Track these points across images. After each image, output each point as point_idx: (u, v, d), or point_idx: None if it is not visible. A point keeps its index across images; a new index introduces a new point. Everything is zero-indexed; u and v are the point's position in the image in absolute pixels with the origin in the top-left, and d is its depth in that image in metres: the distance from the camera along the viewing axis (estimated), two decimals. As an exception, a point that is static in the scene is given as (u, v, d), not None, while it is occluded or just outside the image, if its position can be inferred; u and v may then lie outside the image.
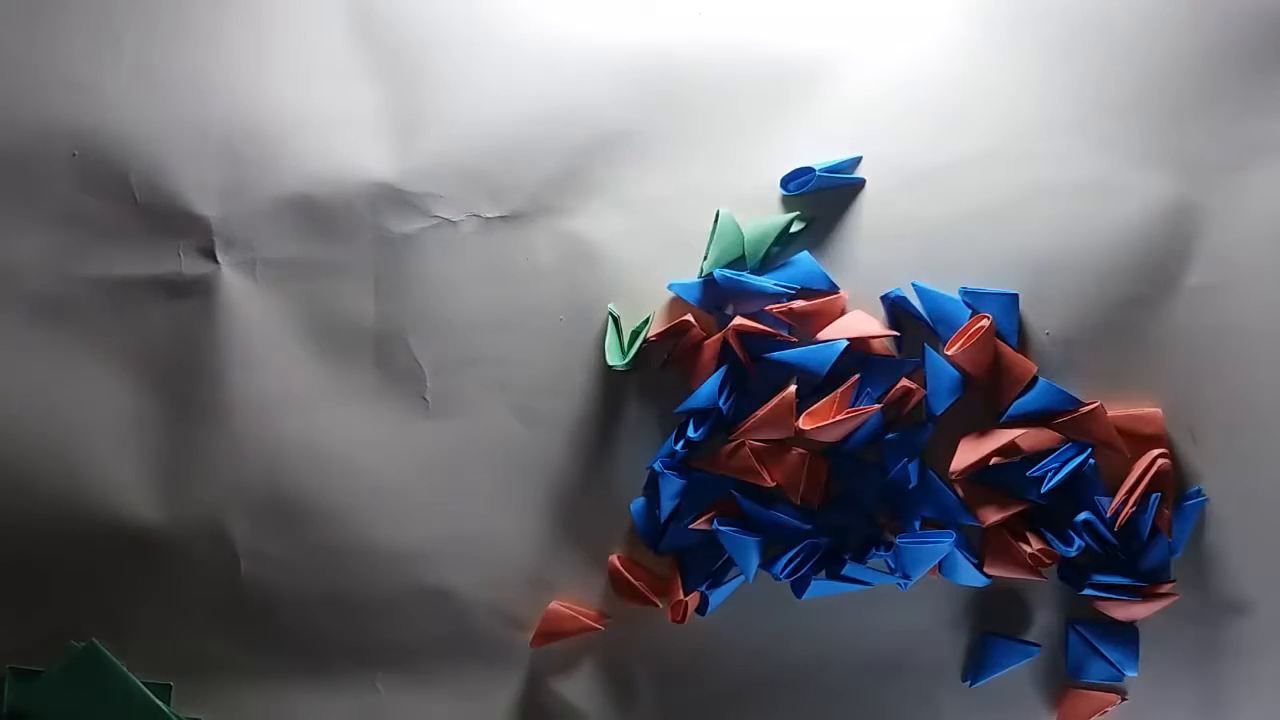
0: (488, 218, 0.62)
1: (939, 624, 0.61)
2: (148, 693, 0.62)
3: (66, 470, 0.62)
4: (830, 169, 0.60)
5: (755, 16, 0.62)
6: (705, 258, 0.61)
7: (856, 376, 0.59)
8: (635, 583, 0.61)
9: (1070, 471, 0.58)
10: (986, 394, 0.60)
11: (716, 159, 0.62)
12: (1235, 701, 0.60)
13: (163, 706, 0.62)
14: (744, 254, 0.61)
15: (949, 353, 0.59)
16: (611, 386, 0.62)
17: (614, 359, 0.61)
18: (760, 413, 0.58)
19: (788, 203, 0.62)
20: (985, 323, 0.58)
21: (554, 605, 0.62)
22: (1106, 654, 0.60)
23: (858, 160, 0.61)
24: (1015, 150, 0.60)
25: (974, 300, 0.59)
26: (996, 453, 0.58)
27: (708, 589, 0.60)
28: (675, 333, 0.60)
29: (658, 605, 0.61)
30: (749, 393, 0.60)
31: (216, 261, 0.63)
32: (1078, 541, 0.58)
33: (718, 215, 0.60)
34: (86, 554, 0.62)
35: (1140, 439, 0.59)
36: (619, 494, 0.62)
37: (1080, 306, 0.60)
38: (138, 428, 0.62)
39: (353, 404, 0.62)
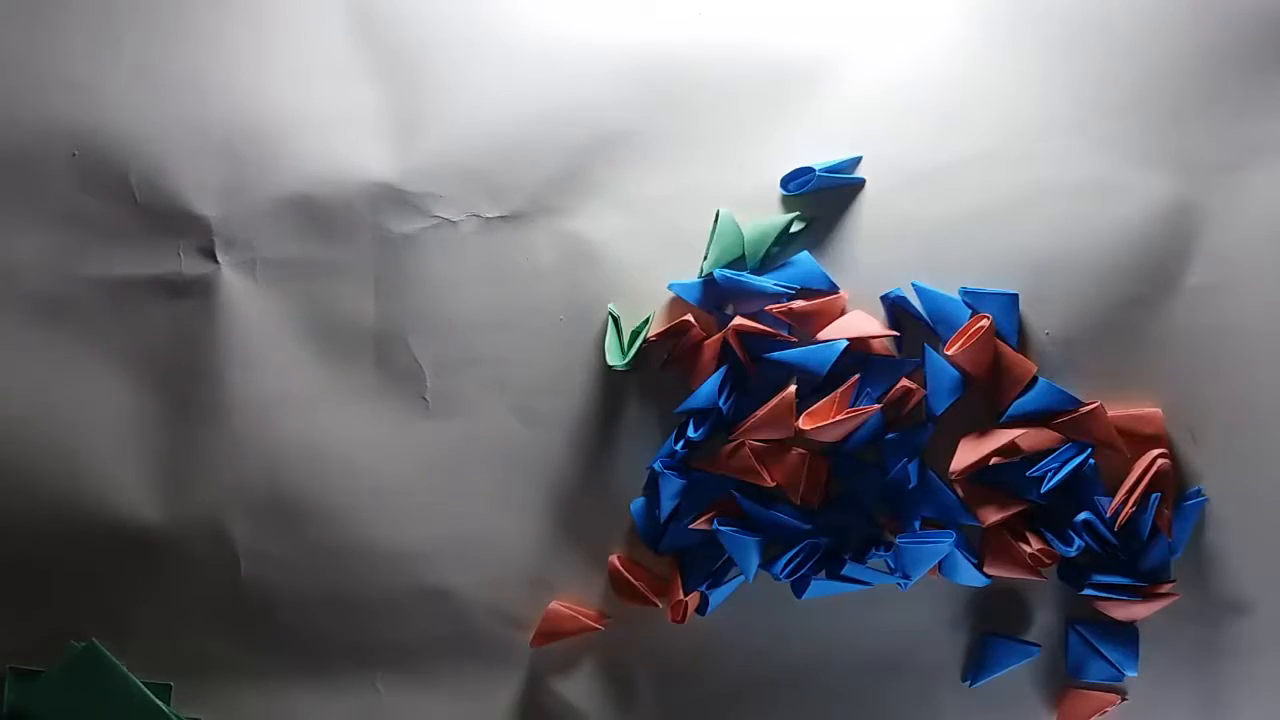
0: (488, 218, 0.62)
1: (939, 624, 0.61)
2: (148, 693, 0.62)
3: (66, 470, 0.62)
4: (830, 169, 0.60)
5: (755, 16, 0.62)
6: (705, 258, 0.61)
7: (856, 376, 0.59)
8: (635, 583, 0.61)
9: (1070, 471, 0.58)
10: (986, 394, 0.60)
11: (716, 159, 0.62)
12: (1235, 701, 0.60)
13: (163, 706, 0.62)
14: (744, 254, 0.61)
15: (949, 353, 0.59)
16: (611, 386, 0.62)
17: (614, 359, 0.61)
18: (760, 413, 0.58)
19: (788, 203, 0.62)
20: (985, 323, 0.58)
21: (554, 605, 0.62)
22: (1106, 654, 0.60)
23: (858, 160, 0.61)
24: (1015, 150, 0.60)
25: (974, 300, 0.59)
26: (996, 453, 0.58)
27: (708, 589, 0.60)
28: (675, 333, 0.60)
29: (658, 605, 0.61)
30: (749, 393, 0.60)
31: (216, 261, 0.63)
32: (1078, 541, 0.58)
33: (718, 215, 0.60)
34: (86, 554, 0.62)
35: (1140, 439, 0.59)
36: (619, 494, 0.62)
37: (1080, 306, 0.60)
38: (138, 428, 0.62)
39: (353, 404, 0.62)
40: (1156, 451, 0.59)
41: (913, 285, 0.60)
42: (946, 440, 0.59)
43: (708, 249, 0.61)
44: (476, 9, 0.63)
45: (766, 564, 0.59)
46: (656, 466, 0.60)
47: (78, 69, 0.63)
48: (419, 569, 0.62)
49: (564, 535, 0.62)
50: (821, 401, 0.59)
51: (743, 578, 0.60)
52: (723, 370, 0.59)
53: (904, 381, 0.59)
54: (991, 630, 0.61)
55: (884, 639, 0.61)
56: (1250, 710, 0.60)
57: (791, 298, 0.60)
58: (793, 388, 0.59)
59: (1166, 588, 0.59)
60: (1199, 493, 0.59)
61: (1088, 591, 0.59)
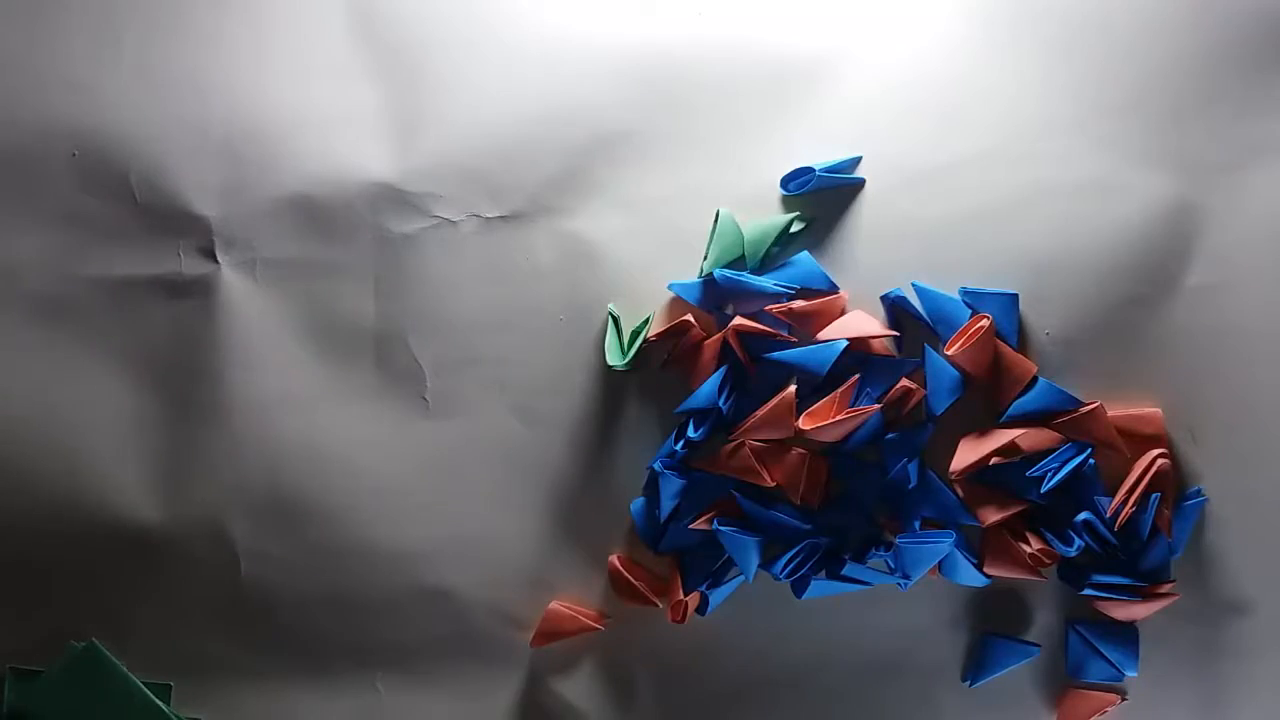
0: (488, 218, 0.62)
1: (939, 624, 0.61)
2: (148, 693, 0.62)
3: (66, 470, 0.62)
4: (830, 169, 0.60)
5: (755, 16, 0.62)
6: (705, 258, 0.61)
7: (856, 376, 0.59)
8: (635, 583, 0.61)
9: (1070, 471, 0.58)
10: (986, 394, 0.60)
11: (716, 159, 0.62)
12: (1235, 701, 0.60)
13: (163, 706, 0.62)
14: (744, 254, 0.61)
15: (949, 353, 0.59)
16: (611, 386, 0.62)
17: (614, 359, 0.61)
18: (760, 413, 0.58)
19: (788, 203, 0.62)
20: (985, 323, 0.58)
21: (554, 605, 0.62)
22: (1106, 654, 0.60)
23: (858, 160, 0.61)
24: (1015, 150, 0.60)
25: (974, 300, 0.59)
26: (996, 453, 0.58)
27: (708, 589, 0.60)
28: (675, 333, 0.60)
29: (658, 605, 0.61)
30: (749, 393, 0.60)
31: (216, 261, 0.63)
32: (1078, 541, 0.58)
33: (718, 215, 0.60)
34: (86, 554, 0.62)
35: (1140, 439, 0.59)
36: (619, 494, 0.62)
37: (1080, 306, 0.60)
38: (138, 428, 0.62)
39: (353, 404, 0.62)
40: (1156, 451, 0.59)
41: (913, 285, 0.60)
42: (946, 440, 0.59)
43: (708, 249, 0.61)
44: (476, 9, 0.63)
45: (766, 564, 0.59)
46: (656, 466, 0.60)
47: (78, 69, 0.63)
48: (419, 569, 0.62)
49: (564, 535, 0.62)
50: (821, 401, 0.59)
51: (743, 578, 0.60)
52: (723, 370, 0.59)
53: (904, 381, 0.59)
54: (991, 630, 0.61)
55: (884, 639, 0.61)
56: (1250, 710, 0.60)
57: (791, 298, 0.60)
58: (793, 388, 0.59)
59: (1166, 588, 0.59)
60: (1199, 493, 0.59)
61: (1088, 591, 0.59)
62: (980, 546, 0.60)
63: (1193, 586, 0.60)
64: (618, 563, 0.61)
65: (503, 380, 0.62)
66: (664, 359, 0.61)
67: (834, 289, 0.61)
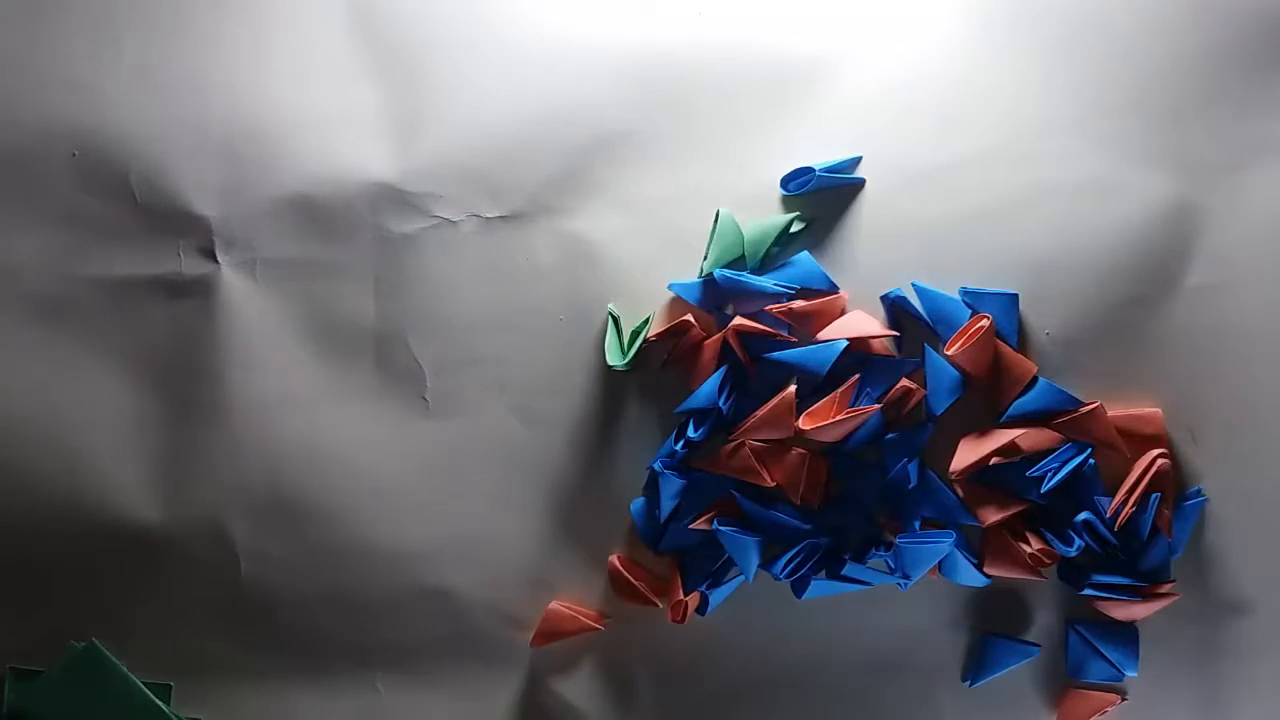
0: (488, 218, 0.62)
1: (939, 624, 0.61)
2: (148, 693, 0.62)
3: (66, 470, 0.62)
4: (830, 169, 0.60)
5: (755, 16, 0.62)
6: (705, 258, 0.61)
7: (856, 376, 0.59)
8: (635, 583, 0.61)
9: (1070, 471, 0.58)
10: (986, 394, 0.60)
11: (716, 159, 0.62)
12: (1235, 701, 0.60)
13: (163, 706, 0.62)
14: (744, 254, 0.61)
15: (949, 353, 0.59)
16: (611, 386, 0.62)
17: (614, 359, 0.61)
18: (760, 413, 0.58)
19: (788, 203, 0.62)
20: (985, 323, 0.58)
21: (554, 605, 0.62)
22: (1106, 654, 0.60)
23: (858, 160, 0.61)
24: (1015, 150, 0.60)
25: (974, 300, 0.59)
26: (996, 453, 0.58)
27: (708, 589, 0.60)
28: (675, 333, 0.60)
29: (658, 605, 0.61)
30: (749, 393, 0.60)
31: (216, 261, 0.63)
32: (1078, 541, 0.58)
33: (718, 215, 0.60)
34: (86, 554, 0.62)
35: (1140, 439, 0.59)
36: (619, 494, 0.62)
37: (1080, 306, 0.60)
38: (138, 428, 0.62)
39: (353, 404, 0.62)
40: (1156, 451, 0.59)
41: (913, 285, 0.60)
42: (946, 440, 0.59)
43: (708, 249, 0.61)
44: (476, 9, 0.63)
45: (766, 564, 0.59)
46: (656, 466, 0.60)
47: (78, 69, 0.63)
48: (419, 569, 0.62)
49: (564, 535, 0.62)
50: (821, 401, 0.59)
51: (743, 578, 0.60)
52: (723, 370, 0.59)
53: (904, 381, 0.59)
54: (991, 630, 0.61)
55: (884, 639, 0.61)
56: (1250, 710, 0.60)
57: (791, 298, 0.60)
58: (793, 388, 0.59)
59: (1166, 588, 0.59)
60: (1199, 493, 0.59)
61: (1088, 591, 0.59)
62: (980, 546, 0.60)
63: (1193, 586, 0.60)
64: (618, 563, 0.61)
65: (503, 380, 0.62)
66: (664, 359, 0.61)
67: (834, 289, 0.61)
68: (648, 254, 0.62)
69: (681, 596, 0.60)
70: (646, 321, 0.61)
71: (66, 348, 0.63)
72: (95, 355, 0.63)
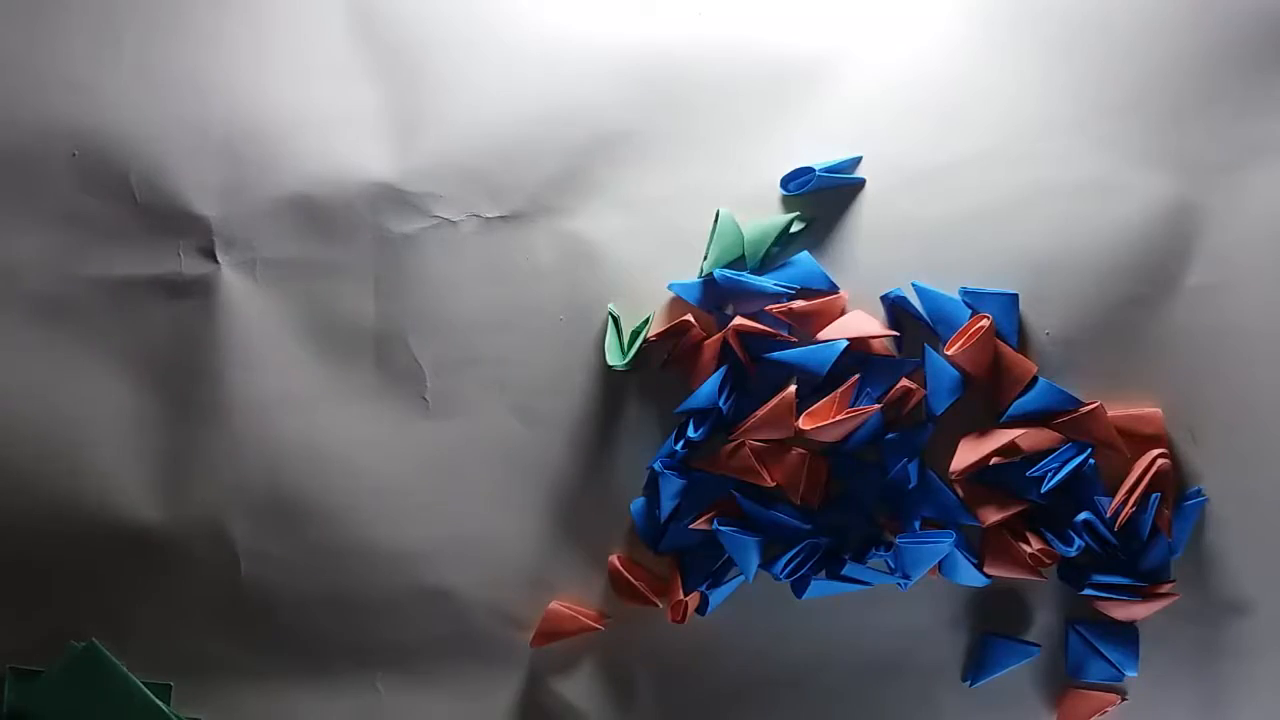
0: (488, 218, 0.62)
1: (939, 624, 0.61)
2: (148, 693, 0.62)
3: (66, 470, 0.62)
4: (830, 169, 0.60)
5: (755, 16, 0.62)
6: (705, 258, 0.61)
7: (856, 376, 0.59)
8: (635, 583, 0.61)
9: (1070, 471, 0.58)
10: (986, 394, 0.60)
11: (716, 159, 0.62)
12: (1235, 701, 0.60)
13: (163, 706, 0.62)
14: (744, 254, 0.61)
15: (949, 353, 0.59)
16: (611, 386, 0.62)
17: (614, 359, 0.61)
18: (760, 413, 0.58)
19: (788, 203, 0.62)
20: (985, 323, 0.58)
21: (554, 605, 0.62)
22: (1106, 654, 0.60)
23: (858, 160, 0.61)
24: (1015, 150, 0.60)
25: (974, 300, 0.59)
26: (996, 453, 0.58)
27: (708, 589, 0.60)
28: (675, 333, 0.60)
29: (658, 605, 0.61)
30: (749, 393, 0.60)
31: (216, 261, 0.63)
32: (1078, 541, 0.58)
33: (718, 215, 0.60)
34: (86, 554, 0.62)
35: (1140, 439, 0.59)
36: (619, 494, 0.62)
37: (1080, 306, 0.60)
38: (138, 428, 0.62)
39: (353, 404, 0.62)
40: (1156, 451, 0.59)
41: (913, 285, 0.60)
42: (946, 440, 0.59)
43: (708, 249, 0.61)
44: (476, 9, 0.63)
45: (766, 564, 0.59)
46: (656, 466, 0.60)
47: (78, 69, 0.63)
48: (419, 569, 0.62)
49: (564, 535, 0.62)
50: (821, 401, 0.59)
51: (743, 578, 0.60)
52: (723, 370, 0.59)
53: (904, 381, 0.59)
54: (991, 630, 0.61)
55: (884, 639, 0.61)
56: (1250, 710, 0.60)
57: (791, 298, 0.60)
58: (793, 388, 0.59)
59: (1166, 588, 0.59)
60: (1199, 493, 0.59)
61: (1088, 591, 0.59)
62: (980, 546, 0.60)
63: (1193, 586, 0.60)
64: (618, 563, 0.61)
65: (503, 380, 0.62)
66: (664, 359, 0.61)
67: (834, 289, 0.61)
68: (648, 254, 0.62)
69: (681, 596, 0.60)
70: (646, 321, 0.61)
71: (66, 348, 0.63)
72: (95, 355, 0.63)
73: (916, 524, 0.59)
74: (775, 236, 0.61)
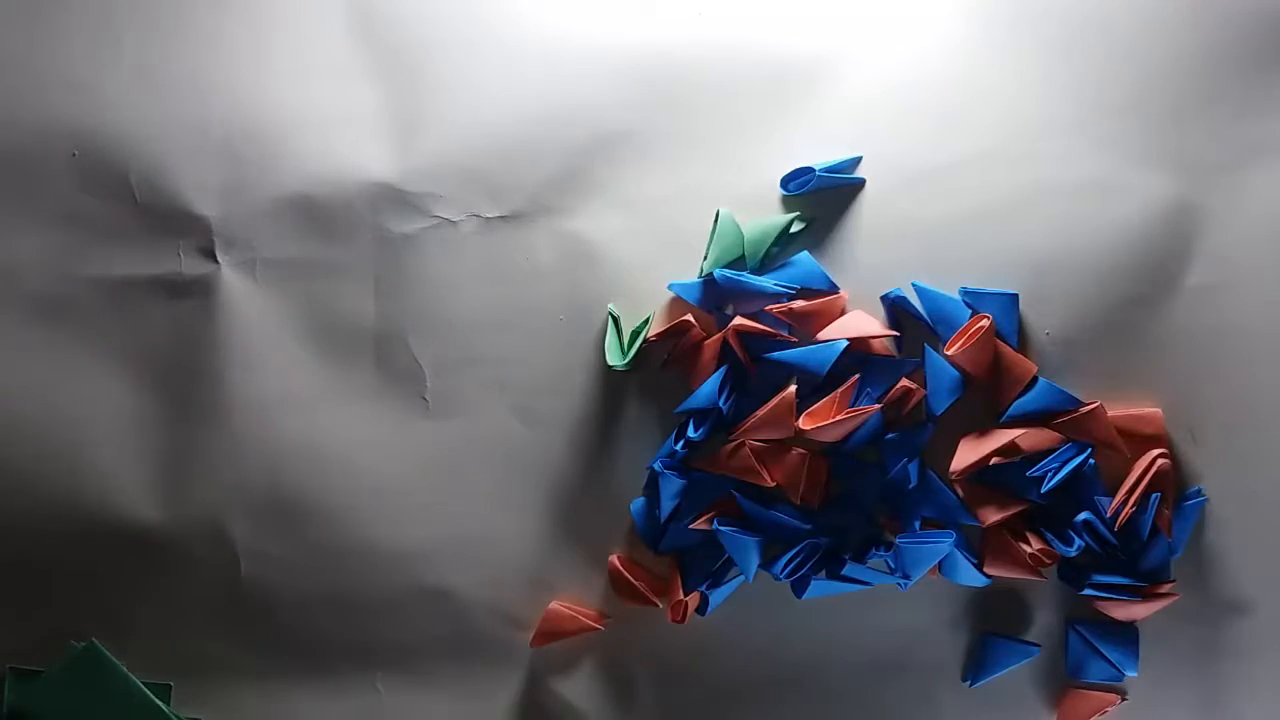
0: (488, 218, 0.62)
1: (939, 624, 0.61)
2: (148, 693, 0.62)
3: (66, 470, 0.62)
4: (830, 169, 0.60)
5: (755, 16, 0.62)
6: (705, 258, 0.61)
7: (856, 376, 0.59)
8: (635, 583, 0.61)
9: (1070, 471, 0.58)
10: (986, 394, 0.60)
11: (716, 159, 0.62)
12: (1235, 701, 0.60)
13: (163, 706, 0.62)
14: (744, 254, 0.61)
15: (949, 353, 0.59)
16: (611, 386, 0.62)
17: (614, 359, 0.61)
18: (760, 413, 0.58)
19: (788, 203, 0.62)
20: (985, 323, 0.58)
21: (554, 605, 0.62)
22: (1106, 654, 0.60)
23: (858, 160, 0.61)
24: (1015, 150, 0.60)
25: (974, 300, 0.59)
26: (996, 453, 0.58)
27: (708, 589, 0.60)
28: (675, 333, 0.60)
29: (658, 605, 0.61)
30: (749, 393, 0.60)
31: (216, 261, 0.63)
32: (1078, 541, 0.58)
33: (718, 215, 0.60)
34: (86, 554, 0.62)
35: (1140, 439, 0.59)
36: (619, 494, 0.62)
37: (1080, 306, 0.60)
38: (138, 428, 0.62)
39: (353, 404, 0.62)
40: (1156, 451, 0.59)
41: (913, 285, 0.60)
42: (946, 440, 0.59)
43: (708, 249, 0.61)
44: (476, 9, 0.63)
45: (766, 564, 0.59)
46: (656, 466, 0.60)
47: (78, 69, 0.63)
48: (419, 569, 0.62)
49: (564, 535, 0.62)
50: (821, 401, 0.59)
51: (743, 578, 0.60)
52: (723, 370, 0.59)
53: (904, 381, 0.59)
54: (991, 630, 0.61)
55: (884, 639, 0.61)
56: (1250, 710, 0.60)
57: (791, 298, 0.60)
58: (793, 388, 0.59)
59: (1166, 588, 0.59)
60: (1199, 493, 0.59)
61: (1088, 591, 0.59)
62: (980, 546, 0.60)
63: (1193, 586, 0.60)
64: (618, 563, 0.61)
65: (503, 380, 0.62)
66: (664, 359, 0.61)
67: (834, 289, 0.61)
68: (648, 254, 0.62)
69: (681, 596, 0.60)
70: (646, 321, 0.61)
71: (66, 348, 0.63)
72: (95, 355, 0.63)
73: (916, 524, 0.59)
74: (775, 236, 0.61)
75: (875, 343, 0.60)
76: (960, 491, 0.60)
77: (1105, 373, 0.60)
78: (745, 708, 0.62)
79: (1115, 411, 0.59)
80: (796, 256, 0.61)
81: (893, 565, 0.59)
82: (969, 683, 0.61)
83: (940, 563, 0.59)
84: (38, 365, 0.63)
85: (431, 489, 0.62)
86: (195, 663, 0.63)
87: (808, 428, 0.58)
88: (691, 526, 0.60)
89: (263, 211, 0.63)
